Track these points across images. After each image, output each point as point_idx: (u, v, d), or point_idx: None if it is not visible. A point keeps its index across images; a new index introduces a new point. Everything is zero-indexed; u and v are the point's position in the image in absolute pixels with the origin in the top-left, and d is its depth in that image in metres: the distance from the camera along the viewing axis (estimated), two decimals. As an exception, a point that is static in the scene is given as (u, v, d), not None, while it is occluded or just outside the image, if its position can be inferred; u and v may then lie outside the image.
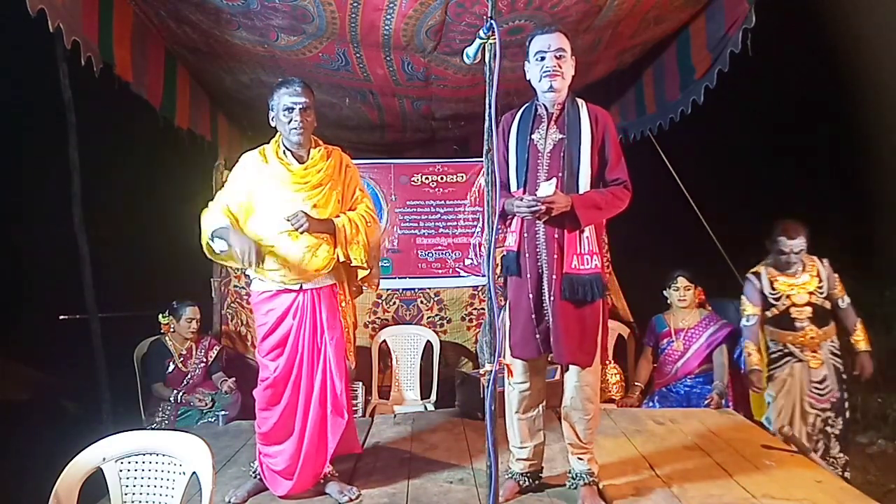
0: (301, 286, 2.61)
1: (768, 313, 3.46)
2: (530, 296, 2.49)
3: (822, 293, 3.36)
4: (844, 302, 3.41)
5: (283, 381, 2.61)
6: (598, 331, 2.51)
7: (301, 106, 2.53)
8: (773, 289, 3.42)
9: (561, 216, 2.39)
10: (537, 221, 2.45)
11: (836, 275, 3.41)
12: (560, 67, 2.42)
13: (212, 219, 2.55)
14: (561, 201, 2.34)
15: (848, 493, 2.62)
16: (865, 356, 3.40)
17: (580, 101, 2.53)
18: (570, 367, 2.55)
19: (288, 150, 2.63)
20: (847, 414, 3.43)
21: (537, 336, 2.50)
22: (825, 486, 2.64)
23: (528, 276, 2.49)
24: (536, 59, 2.46)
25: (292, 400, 2.61)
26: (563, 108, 2.50)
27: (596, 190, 2.46)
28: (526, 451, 2.68)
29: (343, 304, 2.73)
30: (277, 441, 2.62)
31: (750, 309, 3.47)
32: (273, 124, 2.62)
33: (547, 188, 2.37)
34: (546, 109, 2.52)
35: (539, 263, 2.48)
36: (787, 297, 3.38)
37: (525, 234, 2.50)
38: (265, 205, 2.58)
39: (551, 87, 2.44)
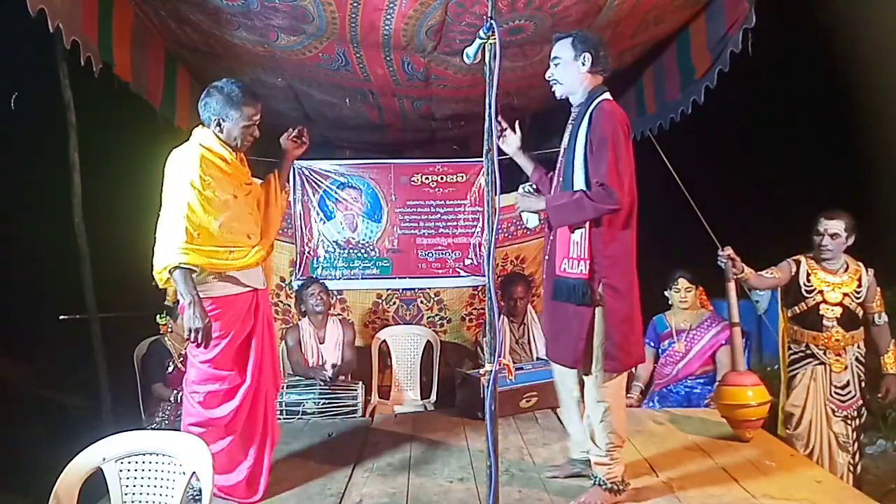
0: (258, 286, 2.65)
1: (796, 308, 3.32)
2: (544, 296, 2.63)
3: (858, 297, 3.23)
4: (881, 319, 3.26)
5: (246, 395, 2.58)
6: (587, 336, 2.42)
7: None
8: (808, 281, 3.27)
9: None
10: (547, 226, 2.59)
11: (879, 289, 3.27)
12: (553, 75, 2.53)
13: (175, 253, 2.32)
14: (524, 204, 2.57)
15: (848, 493, 2.62)
16: (892, 379, 3.28)
17: (596, 100, 2.46)
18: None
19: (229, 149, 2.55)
20: (861, 420, 3.31)
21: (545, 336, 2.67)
22: (825, 486, 2.64)
23: (544, 277, 2.64)
24: None
25: (254, 410, 2.62)
26: (578, 110, 2.54)
27: (568, 192, 2.44)
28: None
29: None
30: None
31: (768, 273, 3.31)
32: (223, 123, 2.48)
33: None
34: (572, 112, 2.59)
35: (545, 266, 2.61)
36: (820, 292, 3.24)
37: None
38: (233, 206, 2.48)
39: (554, 93, 2.57)
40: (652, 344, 4.11)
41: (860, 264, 3.29)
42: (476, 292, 5.10)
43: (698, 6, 3.62)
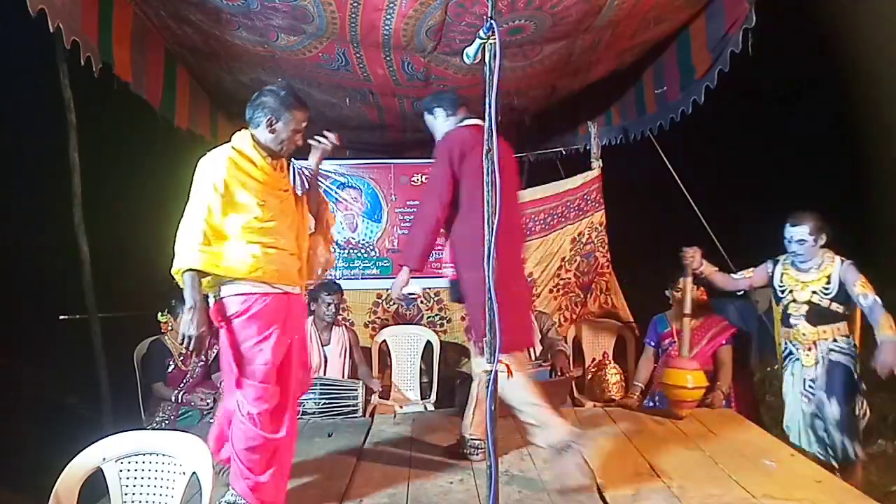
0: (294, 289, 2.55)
1: (776, 307, 3.42)
2: None
3: (826, 294, 3.23)
4: (867, 300, 3.15)
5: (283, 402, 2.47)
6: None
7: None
8: (782, 281, 3.36)
9: None
10: None
11: (861, 275, 3.18)
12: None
13: (189, 255, 2.29)
14: None
15: (848, 493, 2.62)
16: (884, 346, 3.00)
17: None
18: None
19: (265, 154, 2.51)
20: (863, 418, 3.24)
21: None
22: (825, 486, 2.63)
23: None
24: None
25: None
26: None
27: None
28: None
29: None
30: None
31: (739, 274, 3.56)
32: (275, 123, 2.46)
33: None
34: None
35: None
36: (791, 291, 3.32)
37: None
38: (251, 209, 2.40)
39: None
40: (652, 343, 4.11)
41: (835, 259, 3.26)
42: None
43: (698, 6, 3.62)
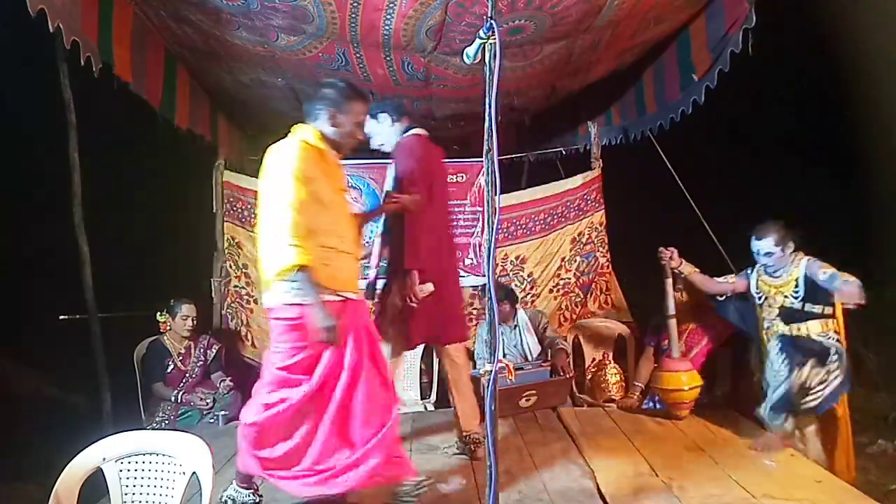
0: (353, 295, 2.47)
1: (762, 313, 3.43)
2: None
3: (796, 297, 3.25)
4: (826, 274, 3.12)
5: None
6: None
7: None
8: (758, 288, 3.40)
9: None
10: None
11: (825, 263, 3.19)
12: (381, 146, 3.16)
13: (293, 252, 2.15)
14: None
15: (848, 493, 2.62)
16: (844, 286, 3.01)
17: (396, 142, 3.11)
18: None
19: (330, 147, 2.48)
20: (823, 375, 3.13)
21: None
22: (825, 486, 2.64)
23: None
24: None
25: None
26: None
27: None
28: None
29: None
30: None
31: (722, 278, 3.60)
32: (339, 115, 2.44)
33: None
34: None
35: None
36: (766, 298, 3.36)
37: None
38: (330, 207, 2.37)
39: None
40: (652, 343, 4.11)
41: (802, 260, 3.26)
42: (476, 292, 5.09)
43: (698, 6, 3.62)
